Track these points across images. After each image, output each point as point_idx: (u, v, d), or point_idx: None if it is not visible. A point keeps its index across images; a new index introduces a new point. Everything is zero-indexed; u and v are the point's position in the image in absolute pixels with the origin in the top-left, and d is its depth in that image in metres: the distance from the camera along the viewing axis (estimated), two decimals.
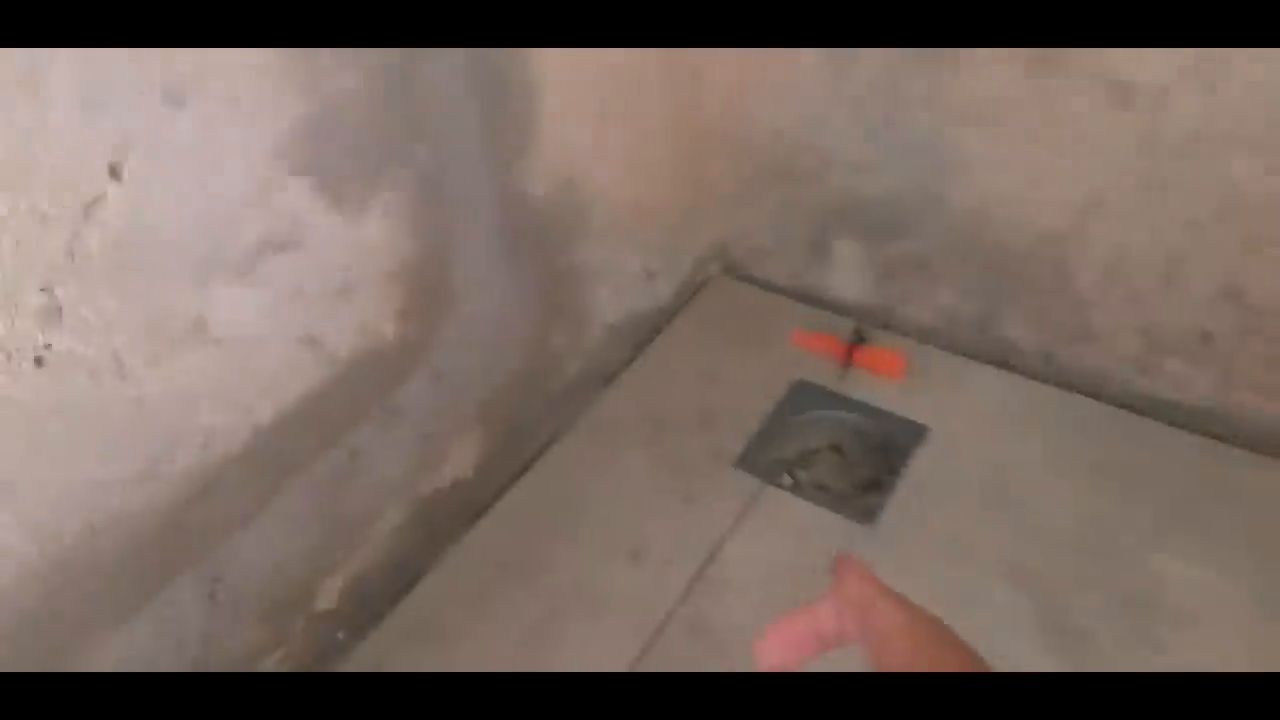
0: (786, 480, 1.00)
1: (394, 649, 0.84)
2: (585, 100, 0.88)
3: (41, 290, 0.53)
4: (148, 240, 0.57)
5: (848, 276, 1.09)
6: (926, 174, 0.96)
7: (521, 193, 0.84)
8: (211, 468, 0.66)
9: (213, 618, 0.68)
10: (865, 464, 1.01)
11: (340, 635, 0.84)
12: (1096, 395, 1.01)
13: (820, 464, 1.01)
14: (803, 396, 1.03)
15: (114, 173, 0.54)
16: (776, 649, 0.46)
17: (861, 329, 1.08)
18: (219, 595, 0.68)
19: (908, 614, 0.44)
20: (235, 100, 0.59)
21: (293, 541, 0.74)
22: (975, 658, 0.42)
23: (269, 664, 0.78)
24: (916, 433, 0.98)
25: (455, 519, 0.92)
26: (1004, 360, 1.05)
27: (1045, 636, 0.81)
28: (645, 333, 1.11)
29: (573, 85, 0.85)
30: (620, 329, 1.06)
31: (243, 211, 0.62)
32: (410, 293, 0.76)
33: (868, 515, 0.92)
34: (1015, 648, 0.80)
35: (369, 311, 0.74)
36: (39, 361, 0.54)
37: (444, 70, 0.72)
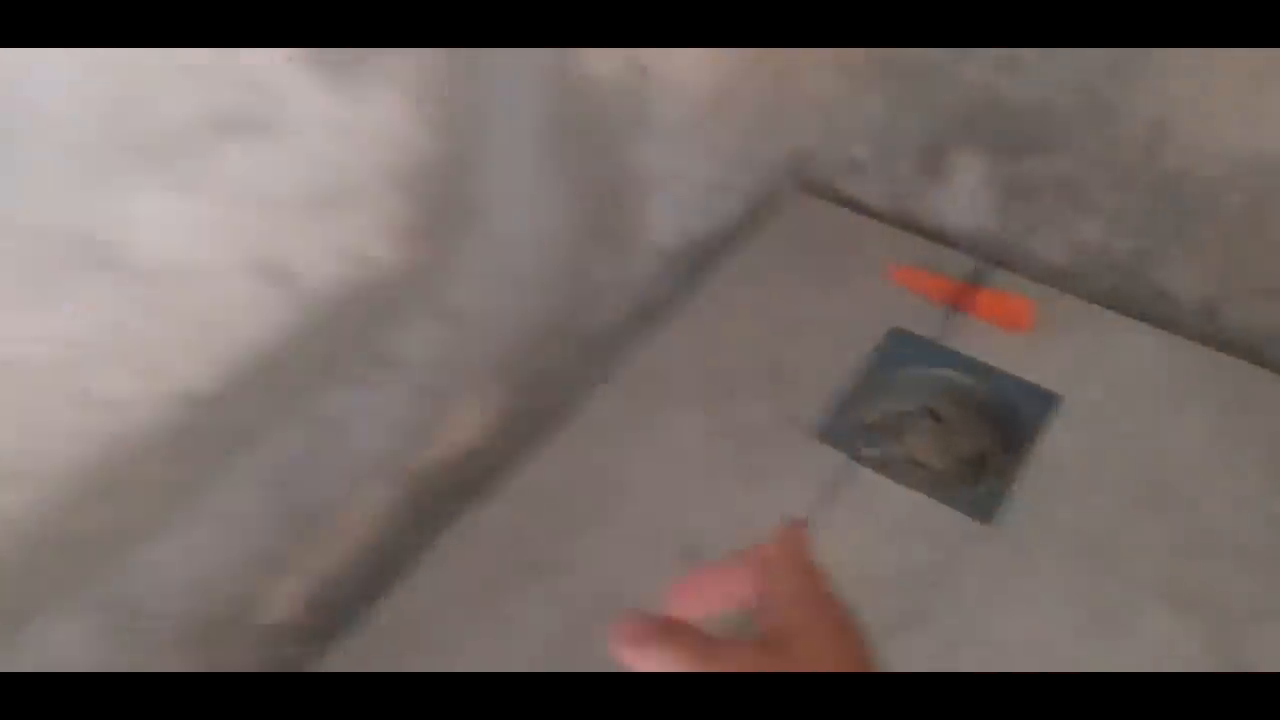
0: (872, 451, 0.80)
1: (367, 666, 0.66)
2: None
3: None
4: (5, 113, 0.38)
5: (966, 200, 0.87)
6: (1098, 72, 0.73)
7: (580, 71, 0.63)
8: (116, 459, 0.47)
9: (114, 652, 0.50)
10: (968, 433, 0.81)
11: (293, 652, 0.66)
12: (1273, 364, 0.80)
13: (913, 430, 0.81)
14: (902, 349, 0.83)
15: None
16: (688, 601, 0.45)
17: (981, 267, 0.86)
18: (123, 624, 0.50)
19: (810, 616, 0.41)
20: None
21: (233, 542, 0.56)
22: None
23: None
24: (1046, 401, 0.78)
25: (456, 499, 0.73)
26: (1156, 314, 0.84)
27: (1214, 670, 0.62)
28: (705, 262, 0.90)
29: None
30: (676, 256, 0.85)
31: (171, 73, 0.42)
32: (419, 205, 0.56)
33: (985, 508, 0.72)
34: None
35: (359, 230, 0.54)
36: None
37: None
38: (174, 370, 0.49)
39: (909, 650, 0.65)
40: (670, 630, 0.41)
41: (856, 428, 0.80)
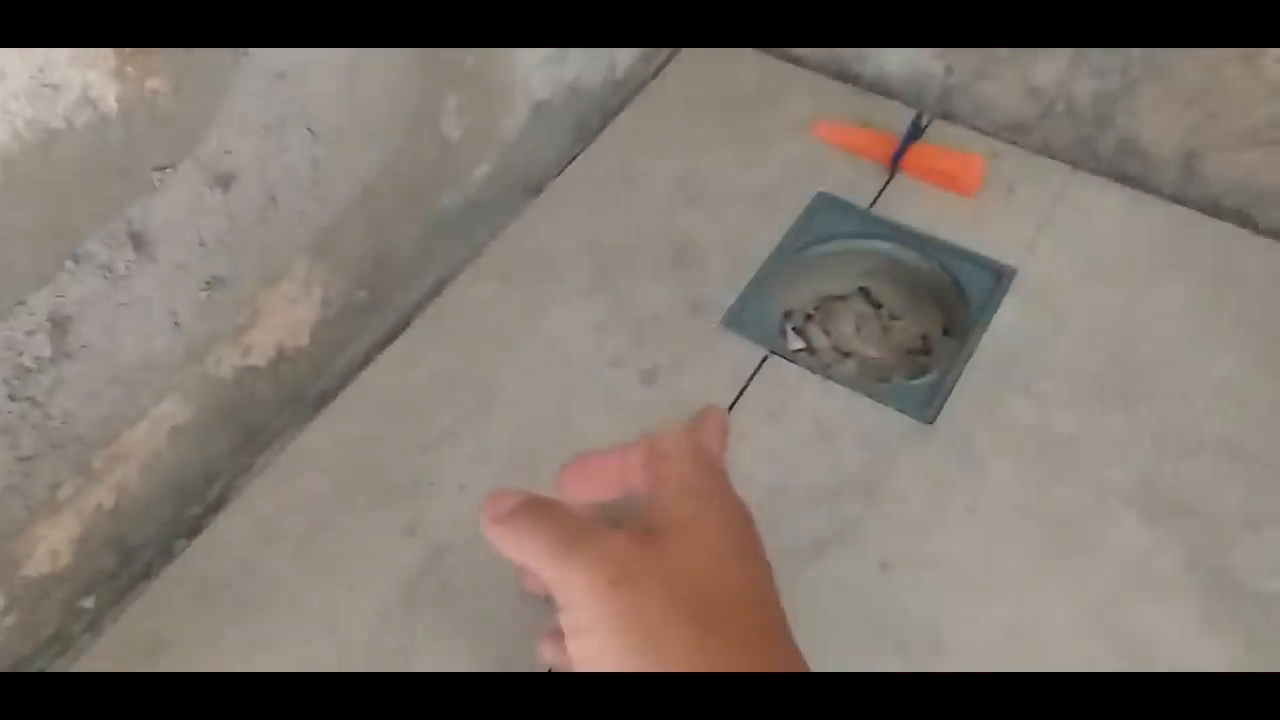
0: (795, 342, 0.67)
1: (174, 621, 0.52)
2: None
3: None
4: None
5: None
6: None
7: None
8: None
9: None
10: (913, 318, 0.68)
11: (87, 604, 0.52)
12: (1257, 227, 0.68)
13: (844, 317, 0.68)
14: (826, 217, 0.69)
15: None
16: (578, 484, 0.43)
17: (920, 118, 0.72)
18: None
19: (695, 511, 0.38)
20: None
21: None
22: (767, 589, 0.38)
23: None
24: (996, 275, 0.65)
25: (280, 413, 0.59)
26: (1124, 171, 0.71)
27: (1205, 602, 0.51)
28: (591, 117, 0.74)
29: None
30: (554, 110, 0.69)
31: None
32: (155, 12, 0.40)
33: (924, 405, 0.60)
34: (1162, 627, 0.51)
35: (48, 50, 0.38)
36: None
37: None
38: None
39: (837, 571, 0.53)
40: (540, 508, 0.39)
41: (775, 315, 0.66)
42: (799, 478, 0.56)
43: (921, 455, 0.57)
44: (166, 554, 0.55)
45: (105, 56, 0.40)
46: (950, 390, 0.60)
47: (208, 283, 0.50)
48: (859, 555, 0.53)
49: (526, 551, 0.37)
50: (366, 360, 0.62)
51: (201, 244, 0.48)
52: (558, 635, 0.38)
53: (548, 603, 0.38)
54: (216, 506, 0.57)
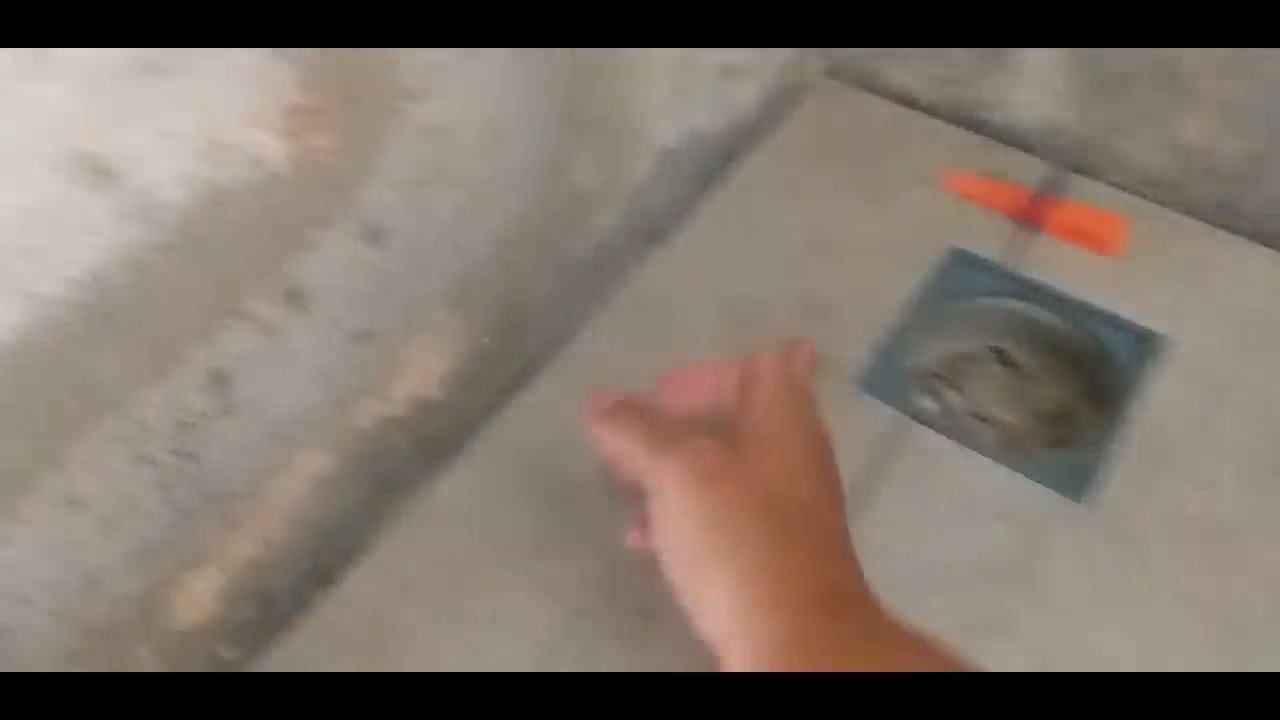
0: (927, 402, 0.65)
1: (316, 664, 0.51)
2: None
3: None
4: None
5: (1037, 89, 0.70)
6: None
7: None
8: None
9: None
10: (1050, 381, 0.66)
11: (228, 654, 0.52)
12: None
13: (978, 378, 0.66)
14: (961, 273, 0.67)
15: None
16: (674, 391, 0.46)
17: (1057, 174, 0.70)
18: None
19: (782, 429, 0.42)
20: None
21: (109, 531, 0.41)
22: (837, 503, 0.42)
23: None
24: (1144, 342, 0.62)
25: (413, 463, 0.58)
26: (1273, 233, 0.68)
27: None
28: (713, 162, 0.73)
29: None
30: (680, 157, 0.68)
31: None
32: (315, 76, 0.40)
33: (1076, 481, 0.57)
34: None
35: (224, 112, 0.37)
36: None
37: None
38: None
39: (990, 661, 0.50)
40: (638, 408, 0.44)
41: (907, 374, 0.64)
42: (945, 556, 0.54)
43: (1075, 537, 0.55)
44: (302, 604, 0.54)
45: (277, 116, 0.39)
46: (1102, 467, 0.57)
47: (355, 336, 0.49)
48: (1011, 646, 0.51)
49: (624, 445, 0.42)
50: (497, 409, 0.60)
51: (351, 298, 0.47)
52: (645, 525, 0.42)
53: (635, 497, 0.42)
54: (351, 557, 0.56)
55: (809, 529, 0.39)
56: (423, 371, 0.55)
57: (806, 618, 0.37)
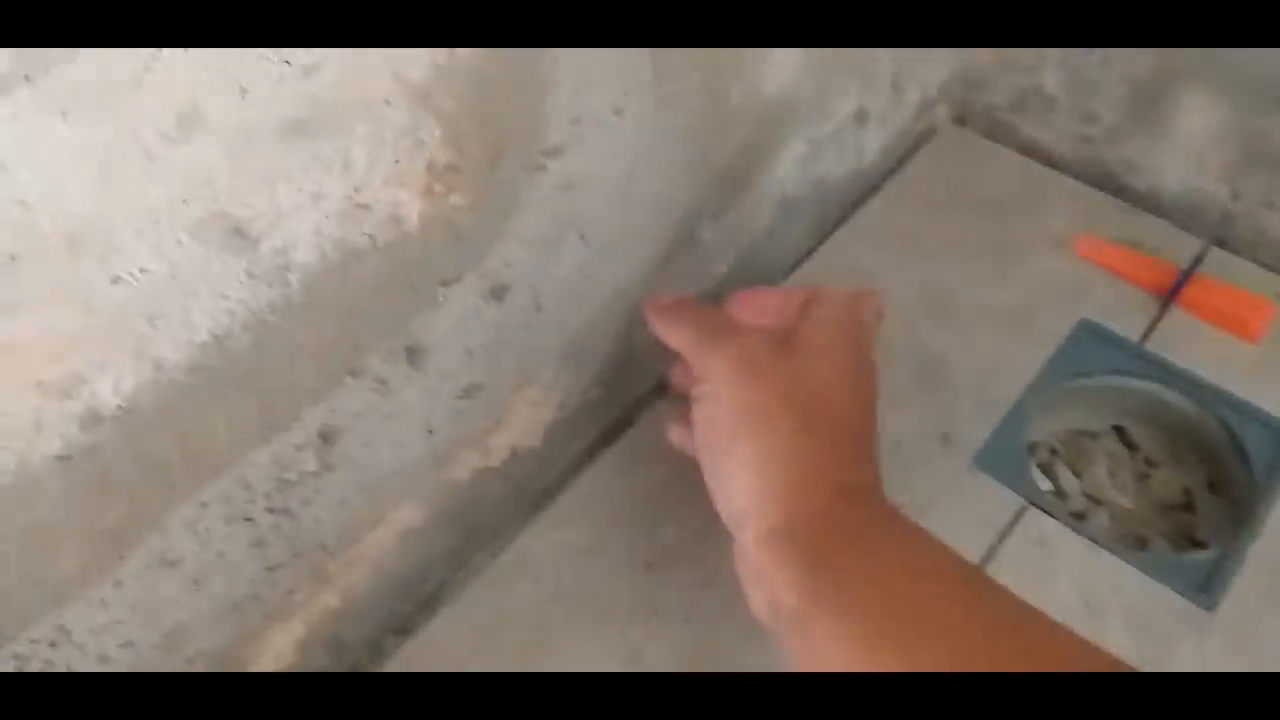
0: (1042, 481, 0.62)
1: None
2: None
3: None
4: None
5: (1189, 157, 0.66)
6: None
7: None
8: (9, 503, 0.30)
9: None
10: (1172, 468, 0.62)
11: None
12: None
13: (1097, 458, 0.62)
14: (1090, 348, 0.63)
15: None
16: (741, 308, 0.48)
17: (1204, 248, 0.65)
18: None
19: (835, 344, 0.44)
20: None
21: (197, 596, 0.39)
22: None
23: None
24: None
25: (504, 512, 0.56)
26: None
27: None
28: (831, 210, 0.70)
29: None
30: (799, 204, 0.65)
31: None
32: (459, 133, 0.37)
33: (1207, 586, 0.53)
34: None
35: (367, 171, 0.35)
36: None
37: None
38: (90, 376, 0.31)
39: None
40: (695, 304, 0.49)
41: (1024, 451, 0.61)
42: None
43: (1200, 648, 0.51)
44: (376, 651, 0.53)
45: (416, 174, 0.37)
46: (1234, 571, 0.54)
47: (465, 390, 0.47)
48: None
49: (679, 336, 0.46)
50: (590, 458, 0.58)
51: (468, 354, 0.45)
52: (685, 421, 0.45)
53: (687, 399, 0.45)
54: (430, 605, 0.54)
55: (836, 429, 0.42)
56: (525, 423, 0.52)
57: (816, 502, 0.39)
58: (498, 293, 0.44)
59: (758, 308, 0.48)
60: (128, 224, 0.29)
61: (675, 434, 0.50)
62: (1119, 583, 0.54)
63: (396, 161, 0.36)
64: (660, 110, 0.47)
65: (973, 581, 0.40)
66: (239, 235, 0.33)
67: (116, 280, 0.30)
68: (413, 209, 0.38)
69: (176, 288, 0.32)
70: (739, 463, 0.41)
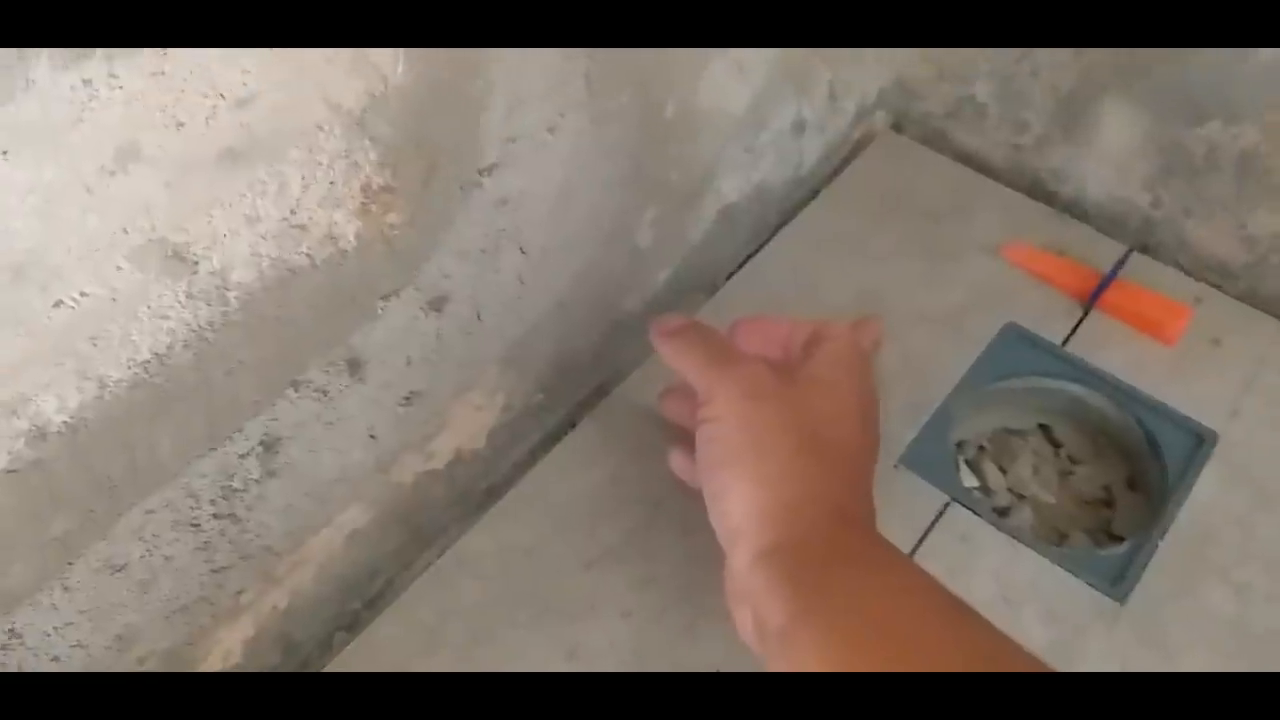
0: (968, 478, 0.64)
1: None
2: None
3: None
4: None
5: (1110, 164, 0.69)
6: None
7: None
8: None
9: None
10: (1095, 465, 0.65)
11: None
12: None
13: (1021, 455, 0.65)
14: (1015, 351, 0.65)
15: None
16: (746, 337, 0.49)
17: (1125, 254, 0.68)
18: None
19: (839, 379, 0.45)
20: None
21: (146, 599, 0.41)
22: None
23: None
24: (1197, 439, 0.61)
25: (450, 513, 0.58)
26: None
27: None
28: (770, 216, 0.72)
29: None
30: (739, 213, 0.67)
31: None
32: (395, 155, 0.39)
33: (1116, 579, 0.56)
34: None
35: (303, 193, 0.37)
36: None
37: None
38: (30, 399, 0.32)
39: None
40: (701, 329, 0.48)
41: (952, 450, 0.63)
42: None
43: (1110, 639, 0.54)
44: (325, 647, 0.55)
45: (352, 195, 0.39)
46: (1145, 565, 0.57)
47: (406, 398, 0.49)
48: None
49: (687, 360, 0.46)
50: (533, 460, 0.60)
51: (408, 363, 0.47)
52: (687, 450, 0.47)
53: (681, 431, 0.47)
54: (377, 604, 0.56)
55: (836, 459, 0.43)
56: (469, 427, 0.54)
57: (809, 526, 0.40)
58: (436, 304, 0.46)
59: (764, 337, 0.49)
60: (69, 253, 0.31)
61: (676, 462, 0.51)
62: (1036, 576, 0.57)
63: (332, 184, 0.38)
64: (595, 126, 0.49)
65: (957, 611, 0.40)
66: (177, 259, 0.34)
67: (58, 305, 0.32)
68: (349, 228, 0.40)
69: (117, 310, 0.33)
70: (737, 481, 0.42)
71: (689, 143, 0.57)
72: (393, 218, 0.41)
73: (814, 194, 0.73)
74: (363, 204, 0.39)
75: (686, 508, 0.59)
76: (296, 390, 0.42)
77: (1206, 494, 0.59)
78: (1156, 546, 0.57)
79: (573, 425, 0.62)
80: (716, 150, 0.60)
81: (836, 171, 0.75)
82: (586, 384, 0.63)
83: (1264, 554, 0.57)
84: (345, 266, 0.41)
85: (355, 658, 0.54)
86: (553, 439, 0.61)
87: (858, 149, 0.76)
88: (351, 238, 0.40)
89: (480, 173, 0.44)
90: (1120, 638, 0.54)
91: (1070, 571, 0.57)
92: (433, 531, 0.58)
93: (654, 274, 0.62)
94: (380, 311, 0.44)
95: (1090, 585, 0.56)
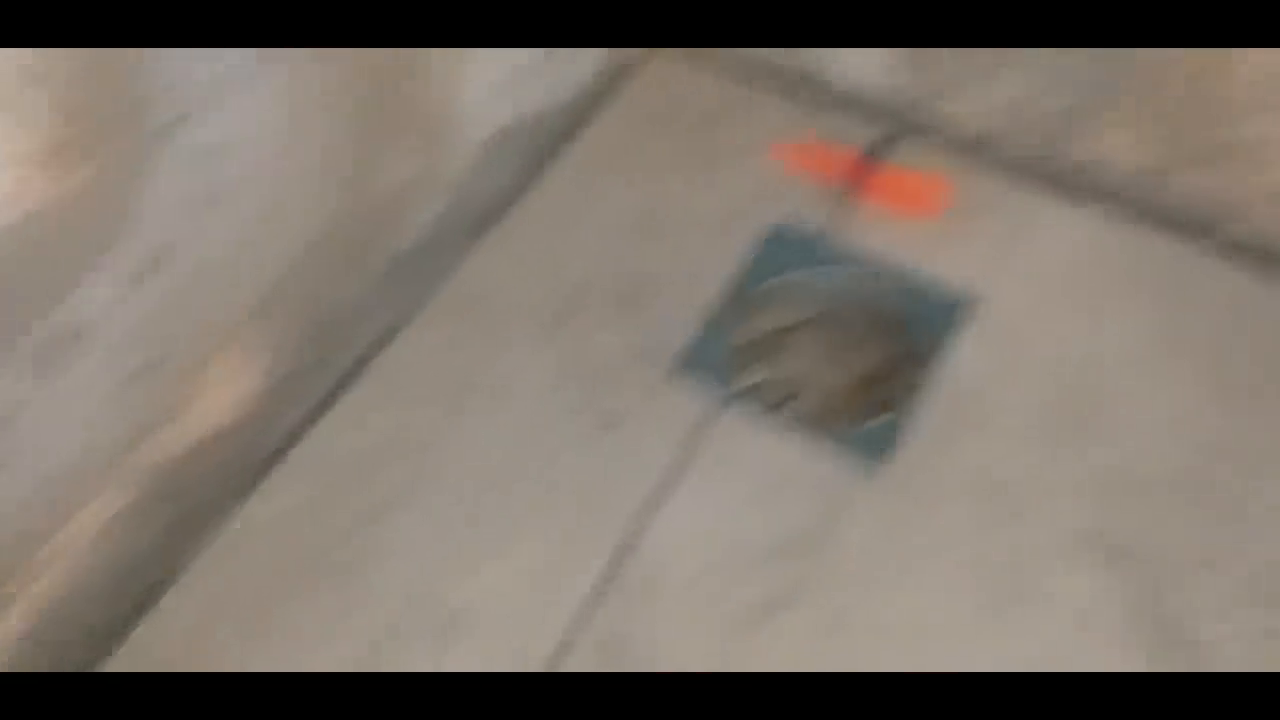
0: (748, 377, 0.66)
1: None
2: None
3: None
4: None
5: (865, 57, 0.70)
6: None
7: None
8: None
9: None
10: (871, 346, 0.67)
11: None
12: (1219, 243, 0.67)
13: (799, 349, 0.68)
14: (782, 249, 0.68)
15: None
16: None
17: (882, 138, 0.70)
18: None
19: None
20: None
21: None
22: None
23: None
24: (954, 306, 0.64)
25: (221, 487, 0.59)
26: (1089, 188, 0.69)
27: (1140, 639, 0.52)
28: (539, 150, 0.73)
29: None
30: (500, 144, 0.68)
31: None
32: (71, 104, 0.39)
33: (876, 445, 0.59)
34: (1096, 656, 0.51)
35: None
36: None
37: None
38: None
39: (776, 639, 0.53)
40: None
41: (728, 352, 0.66)
42: (752, 532, 0.56)
43: (873, 503, 0.57)
44: (111, 634, 0.54)
45: (30, 155, 0.39)
46: (902, 431, 0.59)
47: (143, 366, 0.49)
48: (800, 620, 0.53)
49: None
50: (310, 423, 0.60)
51: (135, 329, 0.48)
52: None
53: None
54: (163, 584, 0.55)
55: None
56: (226, 394, 0.55)
57: None
58: (155, 264, 0.46)
59: None
60: None
61: None
62: (806, 457, 0.59)
63: (9, 140, 0.38)
64: (312, 65, 0.49)
65: None
66: None
67: None
68: (31, 188, 0.39)
69: None
70: None
71: (432, 76, 0.57)
72: (82, 173, 0.41)
73: (587, 120, 0.74)
74: (42, 162, 0.39)
75: (471, 448, 0.60)
76: (7, 366, 0.43)
77: (965, 357, 0.62)
78: (918, 411, 0.60)
79: (353, 382, 0.62)
80: (464, 80, 0.61)
81: (607, 93, 0.76)
82: (362, 339, 0.63)
83: (1015, 404, 0.60)
84: (39, 229, 0.40)
85: (144, 636, 0.54)
86: (331, 401, 0.61)
87: (619, 72, 0.76)
88: (37, 198, 0.40)
89: (175, 121, 0.44)
90: (882, 502, 0.57)
91: (838, 447, 0.59)
92: (208, 509, 0.58)
93: (418, 214, 0.63)
94: (90, 277, 0.44)
95: (857, 455, 0.59)
